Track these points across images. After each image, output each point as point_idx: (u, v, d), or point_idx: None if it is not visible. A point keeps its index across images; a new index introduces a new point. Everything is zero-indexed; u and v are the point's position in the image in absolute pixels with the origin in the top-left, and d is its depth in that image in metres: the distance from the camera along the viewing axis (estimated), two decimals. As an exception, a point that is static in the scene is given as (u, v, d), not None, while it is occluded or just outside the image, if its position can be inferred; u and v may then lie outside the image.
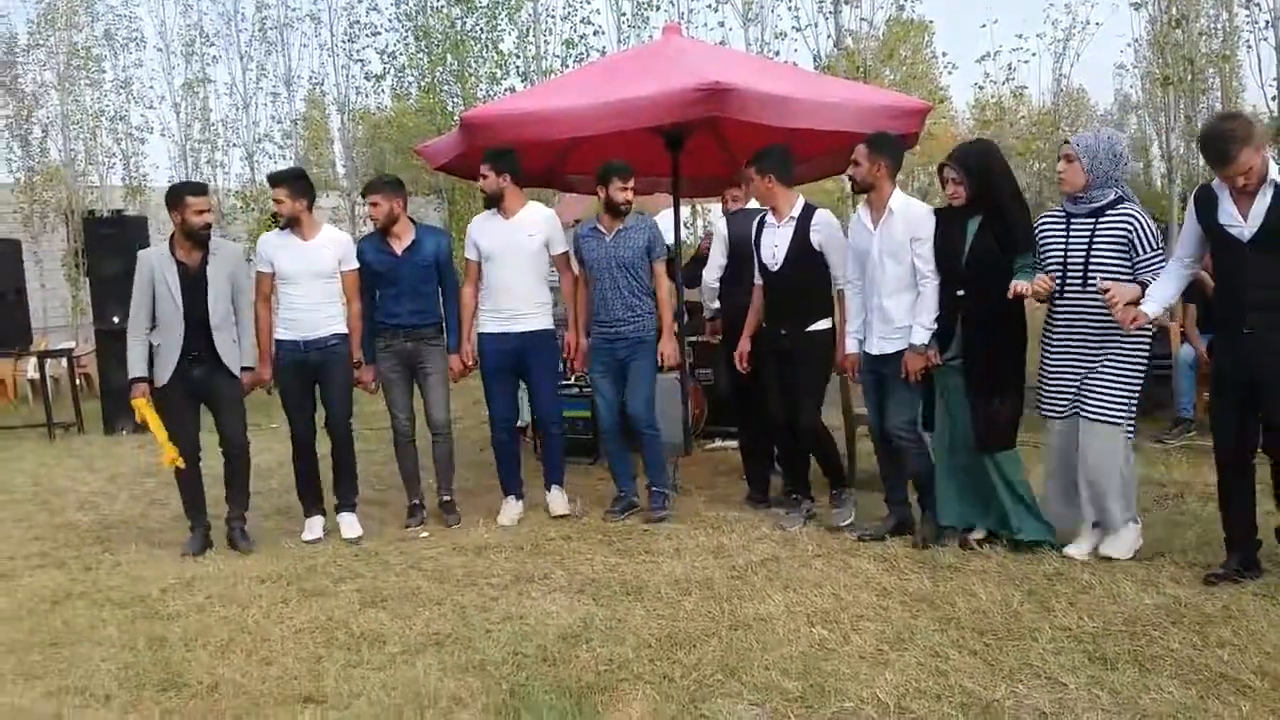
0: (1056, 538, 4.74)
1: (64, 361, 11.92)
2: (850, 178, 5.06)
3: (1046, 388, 4.69)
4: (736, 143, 7.41)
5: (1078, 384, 4.56)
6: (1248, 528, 4.27)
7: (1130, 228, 4.41)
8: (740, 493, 6.14)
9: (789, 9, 13.55)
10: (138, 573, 5.16)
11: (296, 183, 5.65)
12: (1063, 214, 4.62)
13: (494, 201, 5.72)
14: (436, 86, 16.12)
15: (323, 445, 5.74)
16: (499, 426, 5.89)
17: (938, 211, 4.95)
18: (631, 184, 5.68)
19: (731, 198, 6.58)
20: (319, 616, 4.35)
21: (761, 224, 5.46)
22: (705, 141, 7.23)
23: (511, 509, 5.89)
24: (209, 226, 5.40)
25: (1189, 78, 10.87)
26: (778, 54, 13.53)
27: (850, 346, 5.19)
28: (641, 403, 5.70)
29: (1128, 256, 4.42)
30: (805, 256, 5.25)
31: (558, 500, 5.91)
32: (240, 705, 3.50)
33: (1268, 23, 10.60)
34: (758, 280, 5.51)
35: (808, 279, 5.28)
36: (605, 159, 5.83)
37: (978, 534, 4.92)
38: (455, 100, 15.81)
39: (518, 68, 15.88)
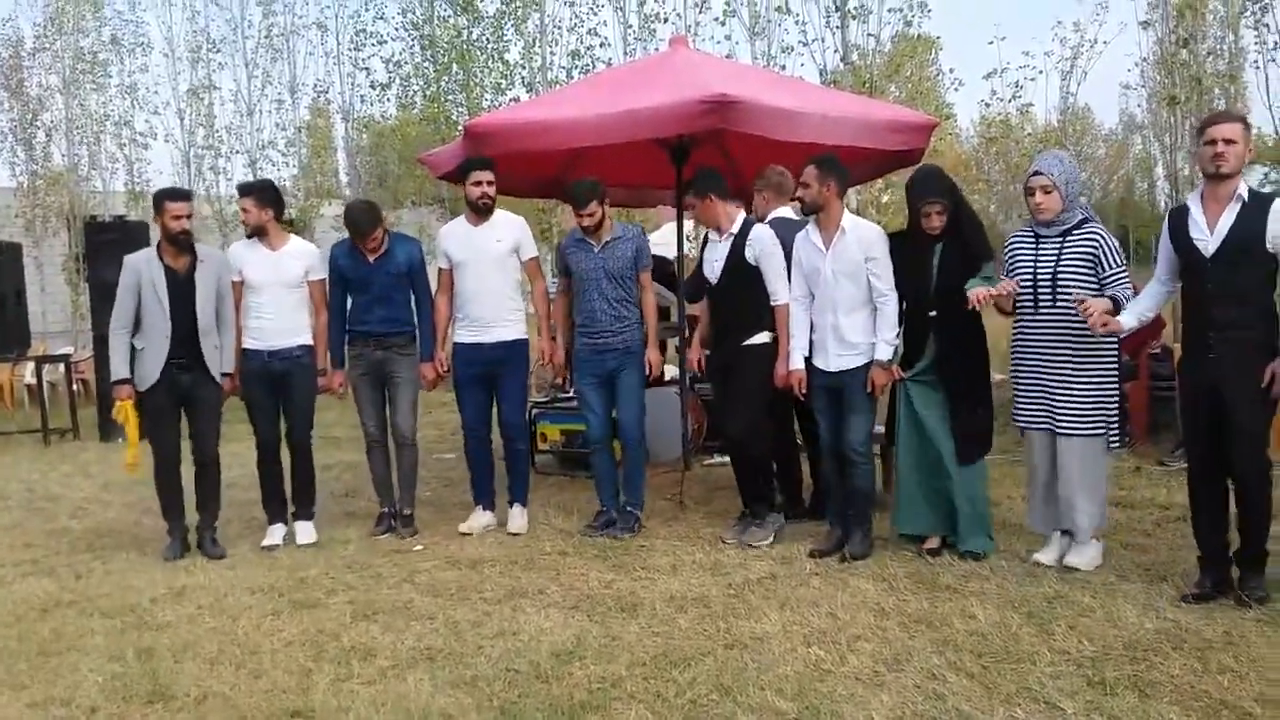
0: (1038, 544, 4.89)
1: (61, 367, 11.90)
2: (799, 199, 5.06)
3: (1020, 401, 4.81)
4: (741, 156, 7.39)
5: (1049, 397, 4.68)
6: (1220, 546, 4.31)
7: (1097, 245, 4.58)
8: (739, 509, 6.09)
9: (796, 23, 13.45)
10: (128, 581, 5.12)
11: (263, 193, 5.72)
12: (1031, 233, 4.76)
13: (483, 210, 5.71)
14: (441, 96, 16.10)
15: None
16: (471, 436, 5.86)
17: (902, 236, 5.07)
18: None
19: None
20: (309, 629, 4.30)
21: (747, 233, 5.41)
22: (710, 154, 7.20)
23: (478, 519, 5.86)
24: (187, 233, 5.42)
25: (1196, 98, 10.84)
26: (784, 68, 13.49)
27: (795, 362, 5.20)
28: (632, 415, 5.68)
29: (1094, 273, 4.57)
30: (741, 271, 5.30)
31: (517, 519, 5.86)
32: (228, 718, 3.45)
33: (1276, 43, 10.58)
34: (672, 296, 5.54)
35: (744, 294, 5.32)
36: (611, 169, 5.81)
37: (932, 543, 5.03)
38: (460, 110, 15.78)
39: (523, 78, 15.85)
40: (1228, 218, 4.11)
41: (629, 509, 5.72)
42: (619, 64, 14.06)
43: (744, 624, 4.14)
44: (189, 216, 5.42)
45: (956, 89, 15.50)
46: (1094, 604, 4.21)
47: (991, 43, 23.26)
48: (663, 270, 7.39)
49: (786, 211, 5.90)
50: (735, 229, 5.36)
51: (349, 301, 5.81)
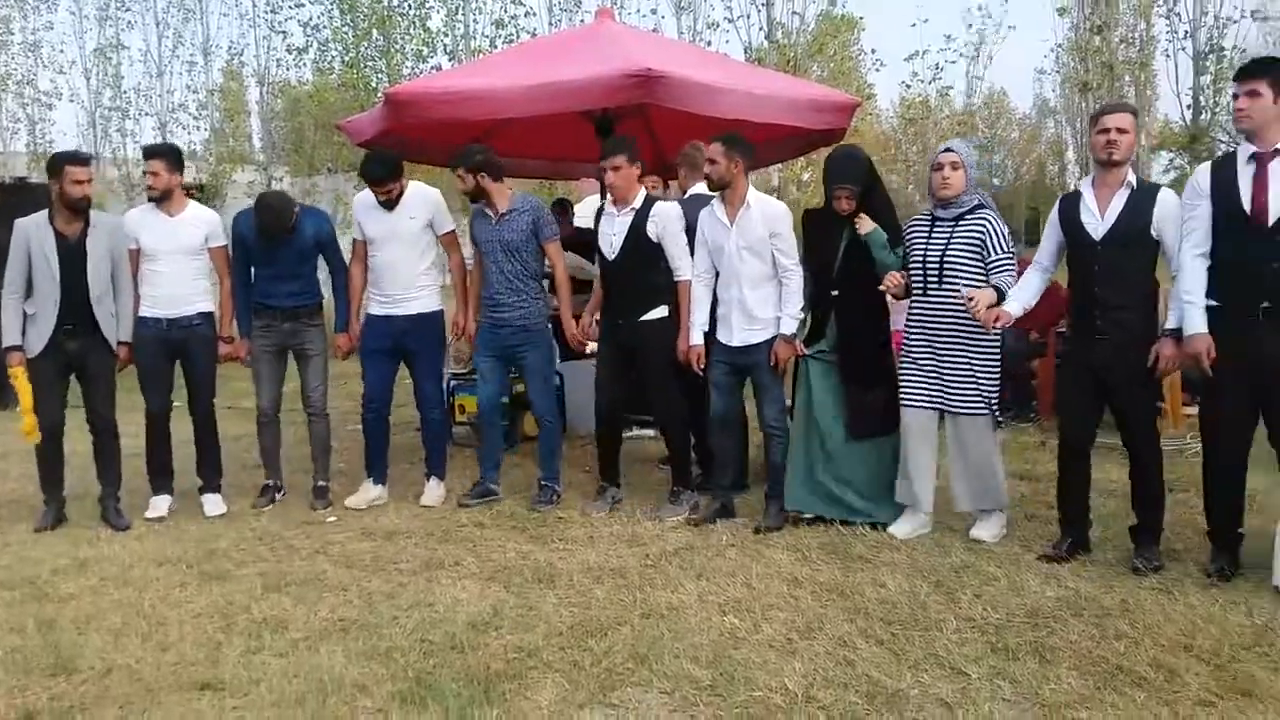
0: (963, 522, 5.00)
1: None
2: (707, 175, 5.08)
3: (907, 380, 4.94)
4: (665, 131, 7.40)
5: (937, 376, 4.83)
6: (1082, 511, 4.61)
7: (984, 231, 4.72)
8: (655, 482, 6.14)
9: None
10: (28, 553, 4.97)
11: (173, 156, 5.60)
12: (928, 217, 4.90)
13: (390, 204, 5.61)
14: (361, 62, 15.81)
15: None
16: (369, 409, 5.80)
17: (813, 214, 5.16)
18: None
19: (650, 185, 6.51)
20: (219, 601, 4.23)
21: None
22: (634, 128, 7.18)
23: (367, 492, 5.81)
24: (87, 199, 5.26)
25: (1108, 84, 11.16)
26: (709, 44, 13.57)
27: (695, 338, 5.26)
28: (541, 395, 5.67)
29: (981, 258, 4.71)
30: (641, 247, 5.31)
31: (433, 492, 5.82)
32: (134, 692, 3.38)
33: (1186, 33, 10.94)
34: (597, 269, 5.54)
35: (643, 269, 5.33)
36: (533, 141, 5.76)
37: (808, 515, 5.16)
38: (380, 76, 15.53)
39: (445, 46, 15.67)
40: (1117, 204, 4.32)
41: (545, 483, 5.71)
42: (544, 34, 13.94)
43: (660, 594, 4.18)
44: (89, 182, 5.26)
45: (878, 69, 15.77)
46: (998, 573, 4.34)
47: (914, 25, 23.60)
48: (586, 242, 7.36)
49: (703, 188, 5.91)
50: (637, 204, 5.35)
51: (253, 273, 5.70)
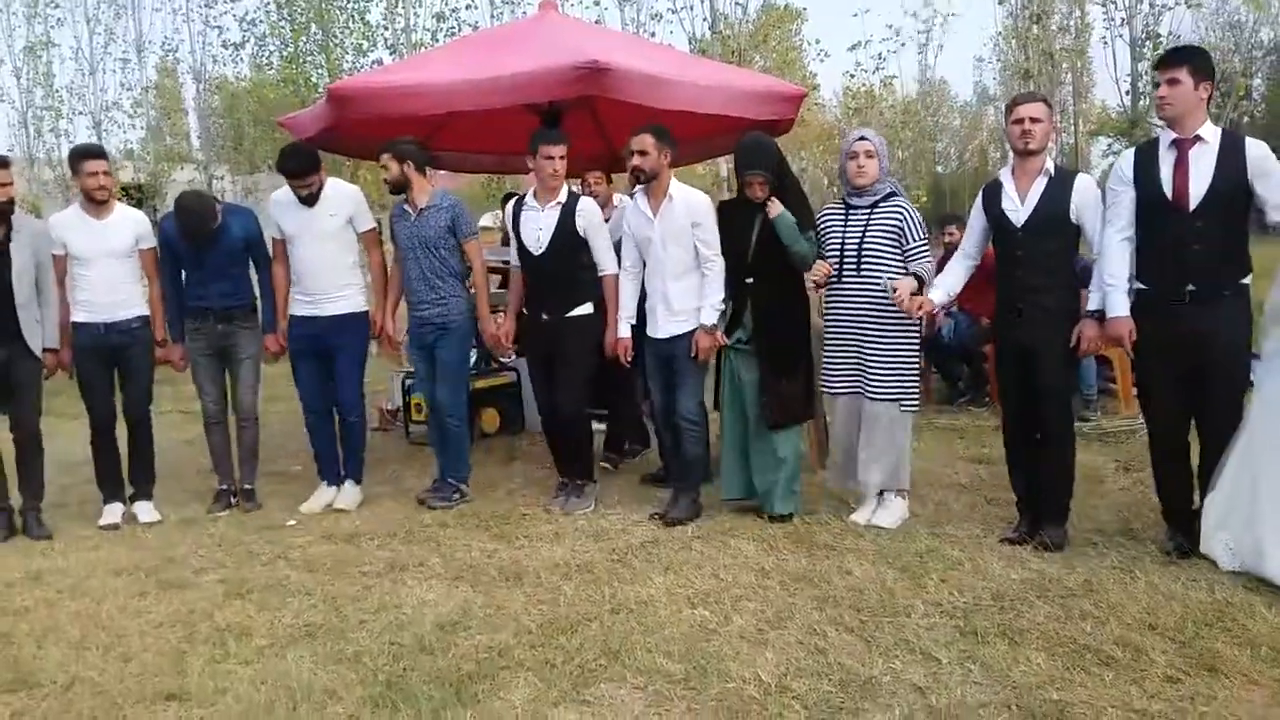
0: (846, 505, 5.12)
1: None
2: (638, 168, 5.05)
3: (828, 366, 5.01)
4: (613, 123, 7.36)
5: (857, 362, 4.89)
6: (1035, 491, 4.62)
7: (901, 219, 4.82)
8: (613, 477, 6.15)
9: (665, -10, 13.55)
10: (-22, 567, 4.83)
11: (105, 157, 5.49)
12: (843, 206, 4.98)
13: (309, 200, 5.51)
14: (300, 57, 15.57)
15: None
16: (309, 412, 5.72)
17: (727, 204, 5.19)
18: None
19: (594, 180, 6.47)
20: (180, 610, 4.14)
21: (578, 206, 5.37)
22: (581, 120, 7.14)
23: (321, 495, 5.74)
24: (11, 201, 5.13)
25: (1048, 71, 11.35)
26: (653, 35, 13.54)
27: (623, 331, 5.28)
28: (447, 392, 5.59)
29: (898, 245, 4.81)
30: (569, 242, 5.29)
31: (348, 495, 5.73)
32: (98, 705, 3.30)
33: (1123, 19, 11.13)
34: (515, 263, 5.50)
35: (571, 264, 5.32)
36: (479, 135, 5.70)
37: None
38: (320, 71, 15.31)
39: (386, 40, 15.48)
40: (1036, 191, 4.43)
41: (449, 480, 5.66)
42: (486, 27, 13.83)
43: (629, 589, 4.17)
44: (10, 184, 5.12)
45: (822, 60, 15.85)
46: (962, 557, 4.38)
47: (856, 15, 23.76)
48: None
49: None
50: (562, 198, 5.33)
51: (183, 275, 5.61)
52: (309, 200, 5.48)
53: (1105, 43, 11.65)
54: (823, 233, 4.99)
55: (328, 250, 5.55)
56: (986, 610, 3.79)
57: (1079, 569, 4.16)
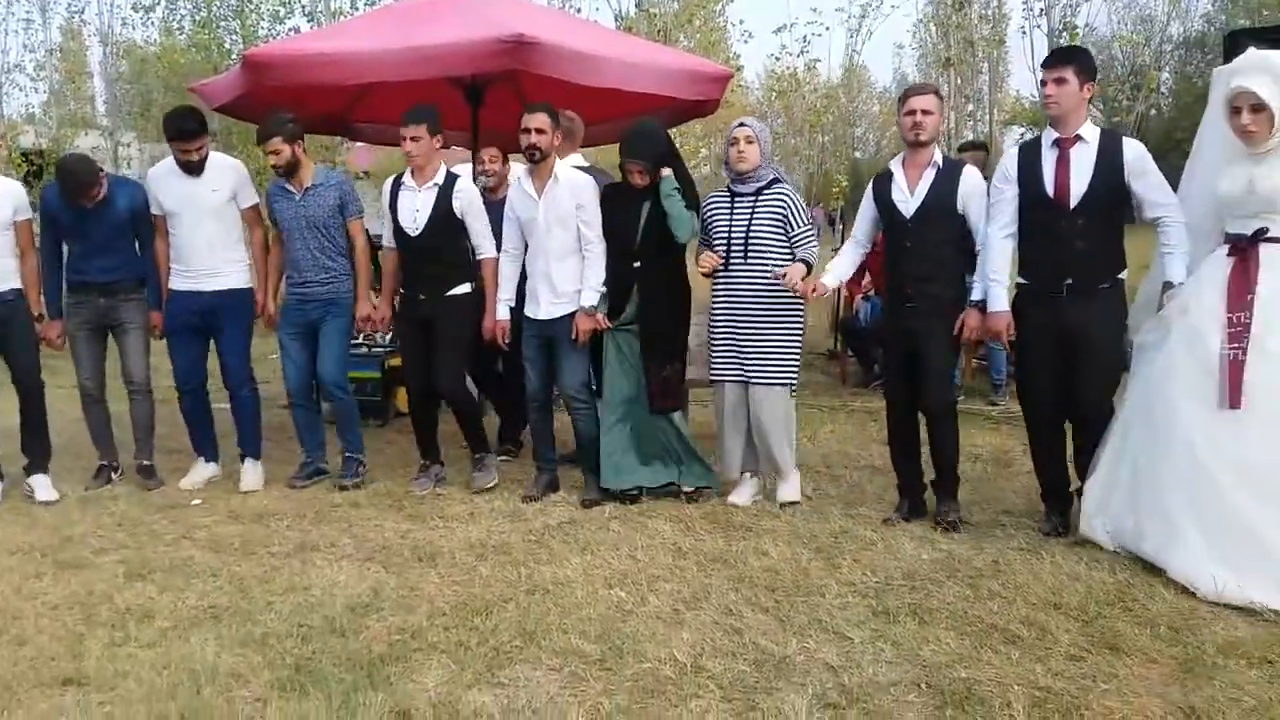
0: (721, 489, 5.15)
1: None
2: (535, 146, 5.00)
3: (715, 354, 5.05)
4: (537, 98, 7.26)
5: (744, 349, 4.93)
6: (915, 475, 4.79)
7: (785, 205, 4.89)
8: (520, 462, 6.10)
9: (590, -34, 13.42)
10: None
11: None
12: (727, 194, 5.02)
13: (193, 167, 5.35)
14: (213, 22, 15.10)
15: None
16: (184, 390, 5.58)
17: (614, 189, 5.18)
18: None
19: (490, 158, 6.32)
20: (78, 591, 4.00)
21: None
22: (505, 95, 7.04)
23: (200, 471, 5.64)
24: None
25: (970, 59, 11.53)
26: (579, 10, 13.42)
27: (501, 313, 5.27)
28: (332, 362, 5.48)
29: (784, 232, 4.88)
30: (445, 223, 5.25)
31: (250, 475, 5.59)
32: (-13, 691, 3.17)
33: (1041, 10, 11.36)
34: (389, 244, 5.43)
35: (448, 244, 5.28)
36: (401, 108, 5.56)
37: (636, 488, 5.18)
38: (234, 38, 14.87)
39: (303, 7, 15.10)
40: (925, 182, 4.54)
41: (349, 455, 5.56)
42: (407, -2, 13.58)
43: (545, 569, 4.14)
44: None
45: (746, 41, 15.81)
46: (875, 537, 4.45)
47: (780, -3, 23.81)
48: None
49: (578, 159, 5.85)
50: (439, 179, 5.26)
51: (65, 249, 5.41)
52: (194, 169, 5.30)
53: (1024, 32, 11.92)
54: (709, 221, 5.02)
55: (211, 224, 5.38)
56: (898, 590, 3.85)
57: (987, 549, 4.25)
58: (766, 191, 4.91)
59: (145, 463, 5.63)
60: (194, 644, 3.48)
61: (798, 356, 4.99)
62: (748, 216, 4.89)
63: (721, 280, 4.99)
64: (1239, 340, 3.78)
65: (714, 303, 5.05)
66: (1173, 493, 3.86)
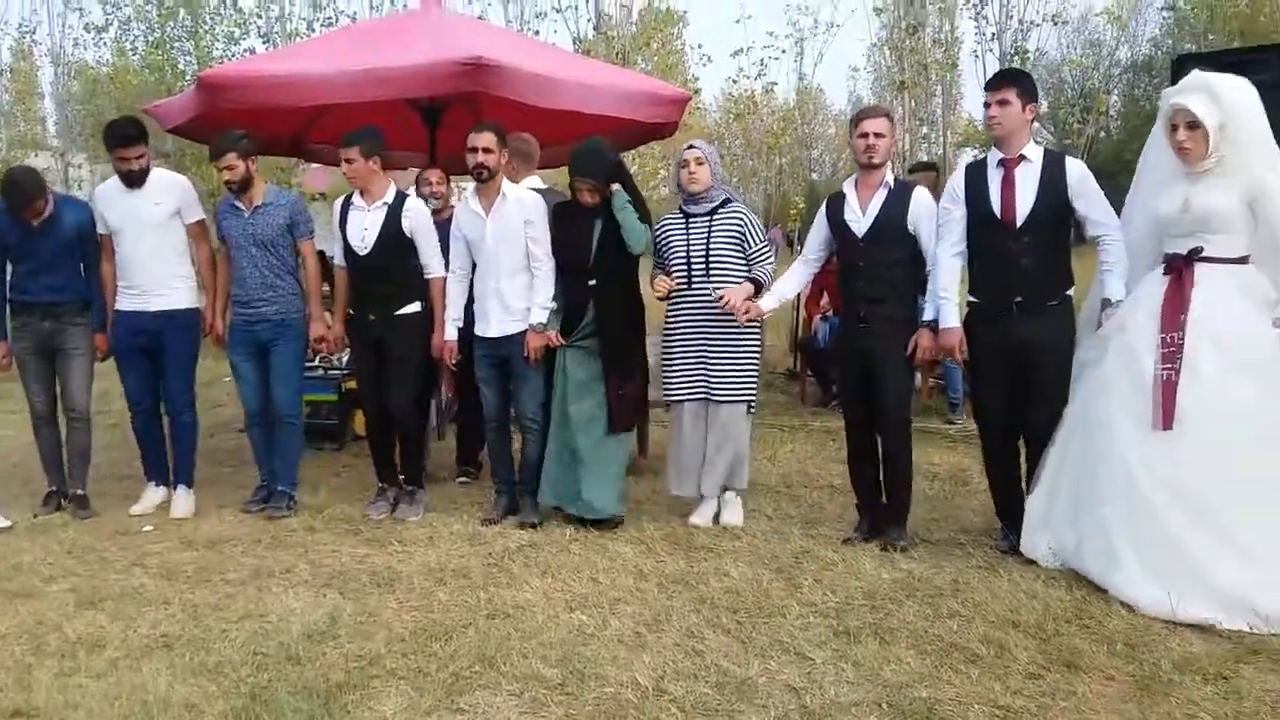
0: (683, 508, 5.15)
1: None
2: (483, 165, 5.01)
3: (672, 374, 5.08)
4: (495, 120, 7.25)
5: (701, 367, 4.97)
6: (875, 496, 4.78)
7: (742, 224, 4.97)
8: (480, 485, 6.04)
9: (549, -12, 13.49)
10: None
11: None
12: (681, 215, 5.07)
13: (134, 178, 5.29)
14: (167, 43, 14.93)
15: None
16: (136, 412, 5.50)
17: (565, 208, 5.18)
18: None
19: (436, 180, 6.29)
20: (27, 620, 3.90)
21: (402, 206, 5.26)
22: (462, 118, 7.03)
23: (150, 496, 5.55)
24: None
25: (923, 83, 11.69)
26: (537, 33, 13.44)
27: (450, 333, 5.26)
28: (285, 389, 5.42)
29: (741, 250, 4.95)
30: (394, 242, 5.22)
31: (181, 502, 5.49)
32: (-71, 726, 3.09)
33: (993, 35, 11.55)
34: (340, 263, 5.40)
35: (397, 264, 5.26)
36: (356, 129, 5.53)
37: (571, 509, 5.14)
38: (188, 59, 14.71)
39: (259, 28, 14.98)
40: (877, 203, 4.60)
41: (281, 489, 5.47)
42: (365, 19, 13.54)
43: (505, 593, 4.10)
44: None
45: (705, 65, 15.90)
46: (836, 557, 4.45)
47: (738, 21, 23.99)
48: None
49: (536, 181, 5.85)
50: (389, 199, 5.24)
51: (9, 269, 5.32)
52: (134, 179, 5.24)
53: (976, 56, 12.10)
54: (663, 242, 5.06)
55: (155, 242, 5.32)
56: (859, 610, 3.86)
57: (947, 568, 4.27)
58: (721, 211, 4.97)
59: (79, 492, 5.52)
60: (146, 674, 3.40)
61: (756, 374, 5.01)
62: (705, 236, 4.94)
63: (681, 300, 5.01)
64: (1172, 360, 3.85)
65: (671, 323, 5.07)
66: (1109, 510, 3.93)
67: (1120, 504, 3.88)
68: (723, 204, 5.00)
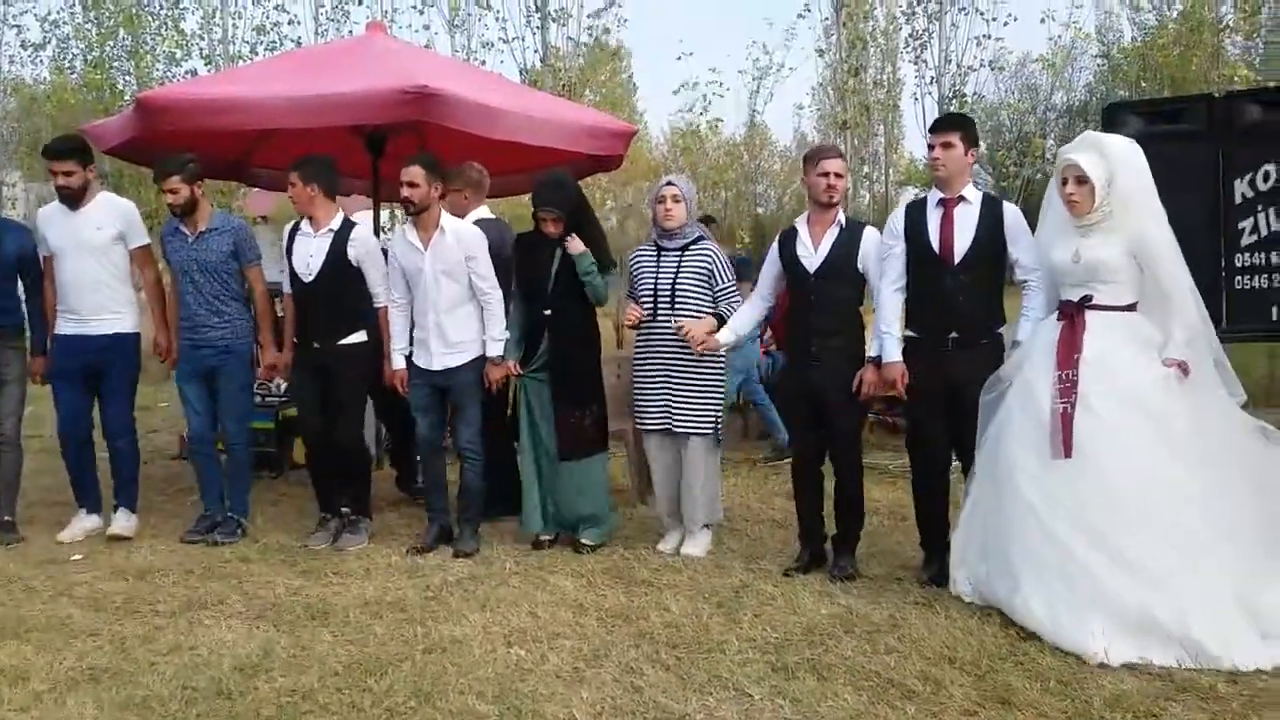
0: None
1: None
2: (408, 199, 5.03)
3: (641, 403, 5.15)
4: (442, 150, 7.23)
5: (667, 398, 5.05)
6: (816, 526, 4.86)
7: (711, 261, 5.06)
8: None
9: (496, 19, 13.49)
10: None
11: None
12: (654, 249, 5.16)
13: (69, 197, 5.24)
14: (106, 62, 14.69)
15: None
16: (69, 438, 5.39)
17: (527, 236, 5.22)
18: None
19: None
20: (-55, 654, 3.78)
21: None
22: (407, 145, 7.00)
23: (81, 523, 5.45)
24: None
25: (865, 123, 11.92)
26: (484, 64, 13.43)
27: (398, 362, 5.25)
28: (233, 416, 5.40)
29: (709, 286, 5.03)
30: (340, 270, 5.22)
31: (121, 520, 5.42)
32: None
33: (932, 79, 11.84)
34: (287, 289, 5.39)
35: (342, 292, 5.25)
36: (298, 155, 5.49)
37: (547, 535, 5.22)
38: (127, 79, 14.48)
39: (202, 50, 14.80)
40: (829, 240, 4.71)
41: (230, 515, 5.41)
42: (310, 44, 13.46)
43: (443, 627, 4.06)
44: None
45: (649, 100, 16.06)
46: (776, 592, 4.46)
47: (680, 58, 24.26)
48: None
49: (485, 211, 5.85)
50: (335, 225, 5.23)
51: None
52: (72, 198, 5.18)
53: (916, 98, 12.39)
54: (635, 273, 5.15)
55: (96, 265, 5.26)
56: (797, 645, 3.87)
57: (884, 604, 4.30)
58: (693, 247, 5.06)
59: (6, 518, 5.40)
60: (71, 707, 3.32)
61: (719, 405, 5.07)
62: (674, 270, 5.02)
63: (648, 331, 5.08)
64: (1068, 395, 4.01)
65: (639, 353, 5.14)
66: (1013, 542, 4.04)
67: (1021, 534, 4.01)
68: (695, 241, 5.08)
